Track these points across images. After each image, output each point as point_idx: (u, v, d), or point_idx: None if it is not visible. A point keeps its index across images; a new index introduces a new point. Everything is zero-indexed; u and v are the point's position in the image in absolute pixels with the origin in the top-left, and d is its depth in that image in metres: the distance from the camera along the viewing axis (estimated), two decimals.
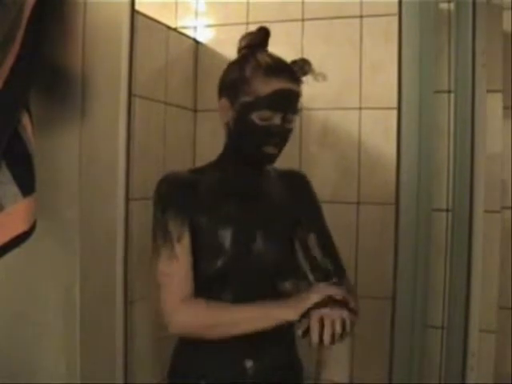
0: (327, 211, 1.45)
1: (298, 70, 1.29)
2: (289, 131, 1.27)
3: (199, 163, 1.42)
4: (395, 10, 1.61)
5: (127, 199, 1.35)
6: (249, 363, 1.27)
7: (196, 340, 1.26)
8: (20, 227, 1.18)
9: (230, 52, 1.35)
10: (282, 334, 1.26)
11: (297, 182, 1.42)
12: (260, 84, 1.22)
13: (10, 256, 1.17)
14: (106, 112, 1.33)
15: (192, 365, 1.30)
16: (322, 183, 2.03)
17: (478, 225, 1.62)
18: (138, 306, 1.83)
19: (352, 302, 1.16)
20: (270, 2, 2.15)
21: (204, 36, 2.26)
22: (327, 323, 1.10)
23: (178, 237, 1.25)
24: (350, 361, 1.23)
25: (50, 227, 1.32)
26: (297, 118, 1.30)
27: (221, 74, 1.32)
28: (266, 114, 1.23)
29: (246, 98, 1.24)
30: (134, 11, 1.33)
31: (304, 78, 1.31)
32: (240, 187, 1.32)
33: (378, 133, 2.04)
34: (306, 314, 1.13)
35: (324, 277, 1.32)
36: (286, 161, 1.38)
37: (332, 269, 1.35)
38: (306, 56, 2.14)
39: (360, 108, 2.08)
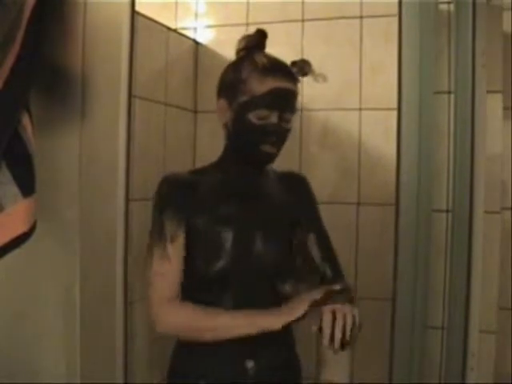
0: (327, 212, 1.45)
1: (297, 70, 1.29)
2: (286, 130, 1.28)
3: (199, 164, 1.42)
4: (395, 10, 1.61)
5: (127, 200, 1.34)
6: (250, 363, 1.27)
7: (195, 340, 1.26)
8: (20, 228, 1.18)
9: (230, 53, 1.36)
10: (283, 334, 1.26)
11: (296, 184, 1.42)
12: (256, 83, 1.23)
13: (10, 256, 1.17)
14: (106, 112, 1.32)
15: (191, 365, 1.30)
16: (322, 184, 2.03)
17: (478, 225, 1.62)
18: (137, 306, 1.83)
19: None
20: (270, 3, 2.15)
21: (204, 37, 2.27)
22: (339, 316, 1.11)
23: (172, 237, 1.25)
24: (350, 361, 1.23)
25: (50, 227, 1.32)
26: (296, 119, 1.30)
27: (219, 76, 1.33)
28: (263, 112, 1.23)
29: (243, 98, 1.24)
30: (134, 12, 1.33)
31: (304, 79, 1.31)
32: (240, 188, 1.32)
33: (378, 133, 2.05)
34: (316, 310, 1.15)
35: (321, 279, 1.33)
36: (286, 161, 1.38)
37: (330, 274, 1.35)
38: (306, 57, 2.16)
39: (360, 109, 2.08)
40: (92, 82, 1.30)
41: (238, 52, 1.33)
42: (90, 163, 1.32)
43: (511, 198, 1.85)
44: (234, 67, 1.29)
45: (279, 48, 1.35)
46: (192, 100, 2.26)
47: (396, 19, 1.61)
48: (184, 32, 2.25)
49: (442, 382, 1.75)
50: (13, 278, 1.34)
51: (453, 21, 1.77)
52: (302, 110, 2.08)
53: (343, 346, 1.12)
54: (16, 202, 1.16)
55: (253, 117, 1.24)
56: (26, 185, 1.18)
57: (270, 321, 1.19)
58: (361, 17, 2.07)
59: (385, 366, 1.61)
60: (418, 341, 1.66)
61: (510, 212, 1.84)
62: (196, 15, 2.28)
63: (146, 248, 1.28)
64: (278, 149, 1.28)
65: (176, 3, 2.30)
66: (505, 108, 1.75)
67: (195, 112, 2.27)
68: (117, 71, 1.31)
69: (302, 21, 2.13)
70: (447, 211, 1.82)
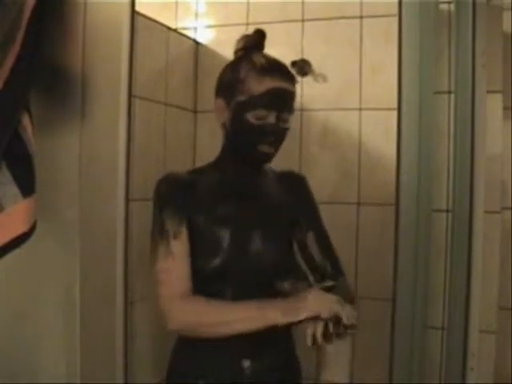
0: (327, 212, 1.45)
1: (297, 70, 1.30)
2: (284, 130, 1.28)
3: (199, 164, 1.42)
4: (395, 10, 1.61)
5: (127, 199, 1.35)
6: (246, 363, 1.27)
7: (194, 340, 1.26)
8: (20, 228, 1.18)
9: (230, 53, 1.36)
10: (280, 334, 1.27)
11: (295, 183, 1.42)
12: (254, 83, 1.23)
13: (10, 256, 1.17)
14: (106, 112, 1.33)
15: (190, 365, 1.30)
16: (322, 184, 2.03)
17: (478, 225, 1.62)
18: (138, 306, 1.83)
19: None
20: (270, 3, 2.15)
21: (204, 37, 2.27)
22: (319, 323, 1.13)
23: (175, 234, 1.26)
24: (350, 361, 1.23)
25: (50, 227, 1.32)
26: (296, 119, 1.30)
27: (217, 76, 1.33)
28: (261, 112, 1.24)
29: (241, 98, 1.25)
30: (134, 12, 1.33)
31: (304, 79, 1.31)
32: (238, 187, 1.32)
33: (378, 133, 2.05)
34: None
35: (322, 277, 1.33)
36: (286, 161, 1.38)
37: (331, 272, 1.35)
38: (306, 57, 2.16)
39: (360, 109, 2.08)
40: (92, 82, 1.30)
41: (236, 52, 1.33)
42: (90, 163, 1.32)
43: (511, 197, 1.85)
44: (232, 67, 1.30)
45: (279, 48, 1.35)
46: (192, 100, 2.26)
47: (396, 19, 1.61)
48: (184, 32, 2.25)
49: (442, 382, 1.75)
50: (13, 278, 1.34)
51: (453, 21, 1.76)
52: (302, 110, 2.08)
53: (326, 341, 1.13)
54: (16, 202, 1.16)
55: (251, 117, 1.24)
56: (26, 185, 1.18)
57: (277, 315, 1.18)
58: (361, 17, 2.07)
59: (385, 366, 1.61)
60: (418, 341, 1.66)
61: (510, 212, 1.84)
62: (196, 15, 2.28)
63: (149, 247, 1.28)
64: (276, 149, 1.28)
65: (176, 3, 2.30)
66: (505, 108, 1.75)
67: (195, 112, 2.27)
68: (117, 71, 1.31)
69: (302, 21, 2.13)
70: (447, 211, 1.82)
